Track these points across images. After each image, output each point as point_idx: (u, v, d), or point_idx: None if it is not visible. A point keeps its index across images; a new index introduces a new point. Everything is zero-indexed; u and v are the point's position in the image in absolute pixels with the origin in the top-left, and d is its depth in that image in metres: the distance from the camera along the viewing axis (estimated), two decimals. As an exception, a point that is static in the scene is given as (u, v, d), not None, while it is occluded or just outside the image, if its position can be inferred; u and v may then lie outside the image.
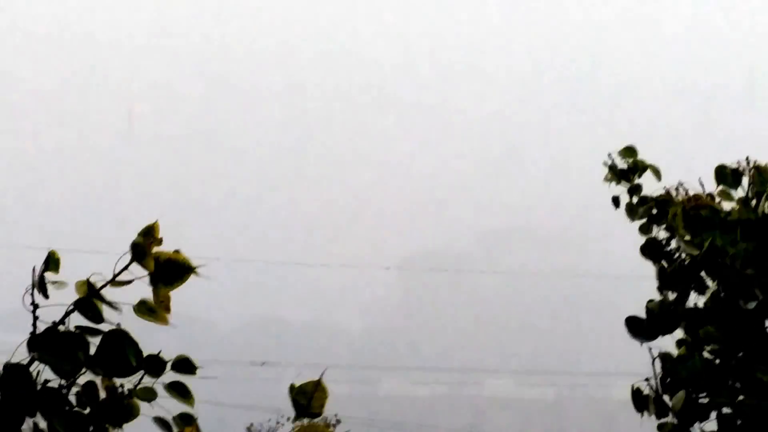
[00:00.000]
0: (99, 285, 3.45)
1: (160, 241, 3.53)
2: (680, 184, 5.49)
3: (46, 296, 3.43)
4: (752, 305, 4.67)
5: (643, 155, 5.61)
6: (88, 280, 3.50)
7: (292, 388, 3.26)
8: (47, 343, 3.42)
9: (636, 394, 5.30)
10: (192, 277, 3.85)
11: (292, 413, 3.42)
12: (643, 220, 5.51)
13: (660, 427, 5.23)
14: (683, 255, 5.08)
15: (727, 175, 5.16)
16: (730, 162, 5.27)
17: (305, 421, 3.37)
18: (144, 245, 3.46)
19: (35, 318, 3.44)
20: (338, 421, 39.51)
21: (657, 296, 5.35)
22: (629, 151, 5.20)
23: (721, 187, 5.28)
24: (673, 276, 5.16)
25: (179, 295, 3.68)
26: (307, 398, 3.24)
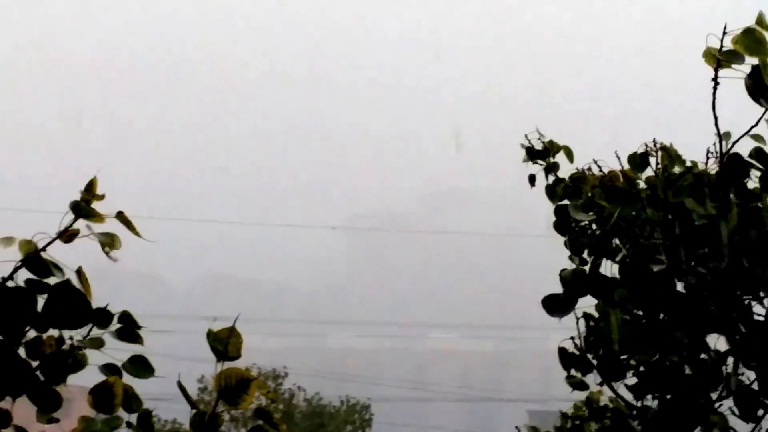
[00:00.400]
0: (44, 243, 3.48)
1: (101, 197, 3.51)
2: (594, 161, 5.56)
3: None
4: (659, 269, 4.74)
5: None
6: (32, 240, 3.49)
7: (209, 334, 3.29)
8: None
9: (562, 352, 5.35)
10: (147, 238, 3.82)
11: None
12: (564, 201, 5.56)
13: (569, 378, 5.30)
14: (594, 226, 5.26)
15: (635, 159, 5.26)
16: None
17: (224, 364, 3.35)
18: (86, 202, 3.49)
19: None
20: (286, 374, 39.35)
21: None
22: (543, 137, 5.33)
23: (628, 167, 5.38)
24: (587, 245, 5.25)
25: (137, 256, 3.73)
26: (224, 344, 3.26)
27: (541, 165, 5.65)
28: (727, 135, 4.64)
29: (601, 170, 5.45)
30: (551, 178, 5.61)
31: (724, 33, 4.46)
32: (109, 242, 3.52)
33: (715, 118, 4.67)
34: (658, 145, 5.28)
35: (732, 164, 4.68)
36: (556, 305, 5.33)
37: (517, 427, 6.13)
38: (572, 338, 5.37)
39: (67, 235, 3.50)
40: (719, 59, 4.70)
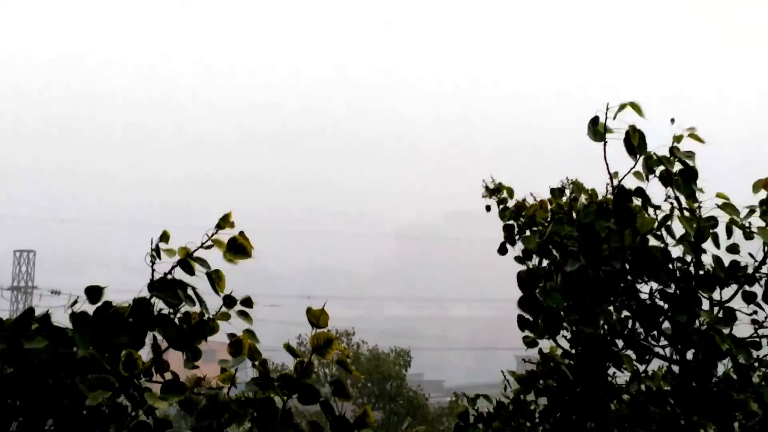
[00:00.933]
0: (192, 249, 3.55)
1: (232, 225, 3.62)
2: (531, 194, 5.59)
3: (159, 257, 3.52)
4: (573, 266, 4.78)
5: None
6: (186, 247, 3.55)
7: (308, 310, 3.34)
8: (160, 286, 3.52)
9: (520, 318, 5.34)
10: (262, 241, 3.84)
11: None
12: (510, 221, 5.57)
13: (524, 338, 5.32)
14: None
15: (554, 191, 5.31)
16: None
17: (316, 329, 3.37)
18: (223, 226, 3.58)
19: (153, 271, 3.53)
20: (354, 333, 39.86)
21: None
22: (493, 181, 5.50)
23: (549, 197, 5.43)
24: (534, 252, 5.32)
25: (259, 255, 3.75)
26: (316, 317, 3.30)
27: (495, 198, 5.69)
28: (616, 174, 4.70)
29: (534, 199, 5.49)
30: (501, 206, 5.65)
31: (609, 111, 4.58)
32: (236, 250, 3.59)
33: (606, 165, 4.70)
34: (570, 180, 5.33)
35: (620, 194, 4.73)
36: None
37: (502, 371, 6.07)
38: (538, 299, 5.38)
39: (207, 246, 3.58)
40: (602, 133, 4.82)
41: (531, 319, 5.20)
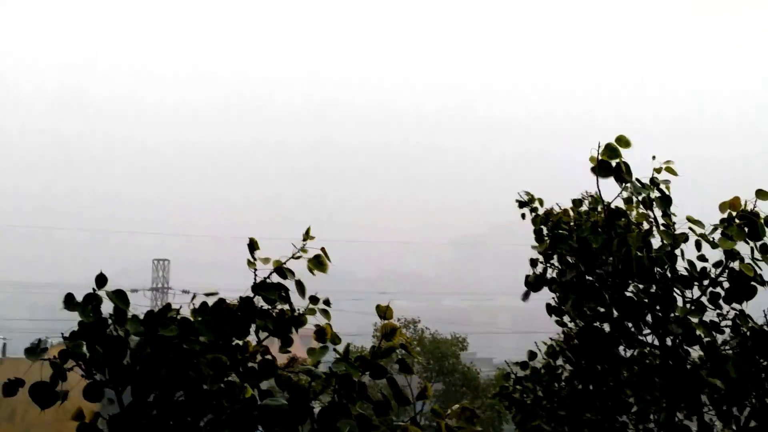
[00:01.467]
0: (284, 260, 3.59)
1: (313, 238, 3.65)
2: (556, 204, 5.55)
3: (255, 266, 3.59)
4: (569, 276, 4.92)
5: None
6: (279, 259, 3.61)
7: (377, 307, 3.37)
8: (261, 288, 3.57)
9: (548, 306, 5.35)
10: (347, 249, 3.91)
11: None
12: (540, 226, 5.56)
13: (557, 321, 5.38)
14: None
15: (575, 201, 5.27)
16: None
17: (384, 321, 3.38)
18: (305, 238, 3.62)
19: (255, 275, 3.59)
20: (420, 320, 39.54)
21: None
22: (527, 192, 5.34)
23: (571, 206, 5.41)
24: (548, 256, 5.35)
25: (340, 262, 3.79)
26: (383, 311, 3.33)
27: (528, 208, 5.63)
28: (601, 199, 4.79)
29: (560, 208, 5.45)
30: (533, 214, 5.60)
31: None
32: (317, 264, 3.63)
33: (599, 190, 4.74)
34: (588, 193, 5.30)
35: (610, 214, 4.76)
36: (525, 294, 5.52)
37: (535, 342, 6.04)
38: (553, 298, 5.32)
39: (297, 257, 3.61)
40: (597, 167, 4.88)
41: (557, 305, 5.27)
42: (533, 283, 5.31)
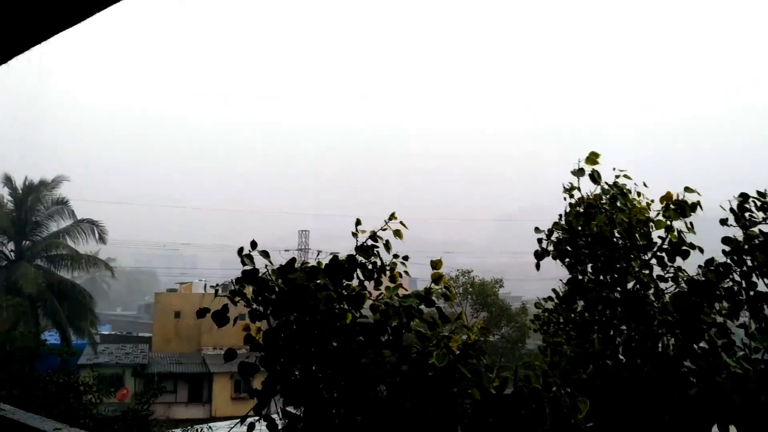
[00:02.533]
0: (376, 231, 3.66)
1: (395, 217, 3.60)
2: (587, 193, 5.42)
3: (357, 234, 3.63)
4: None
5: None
6: (373, 230, 3.68)
7: (430, 261, 3.41)
8: (361, 249, 3.62)
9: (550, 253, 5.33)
10: (420, 223, 3.97)
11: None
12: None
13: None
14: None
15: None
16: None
17: (434, 270, 3.43)
18: (391, 218, 3.64)
19: (356, 241, 3.65)
20: (471, 271, 39.40)
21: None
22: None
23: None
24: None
25: (413, 233, 3.75)
26: (435, 263, 3.37)
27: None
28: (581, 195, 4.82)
29: (589, 197, 5.36)
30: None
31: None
32: (398, 233, 3.63)
33: (579, 189, 4.77)
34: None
35: (588, 204, 4.77)
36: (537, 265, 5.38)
37: (553, 289, 5.90)
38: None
39: (384, 229, 3.62)
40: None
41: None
42: (540, 254, 5.22)
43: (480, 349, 3.05)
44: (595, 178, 4.75)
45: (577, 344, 5.37)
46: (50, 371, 15.52)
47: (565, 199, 5.51)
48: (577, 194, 5.35)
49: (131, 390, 33.23)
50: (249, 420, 3.20)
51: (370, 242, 3.67)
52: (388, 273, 3.68)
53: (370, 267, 3.65)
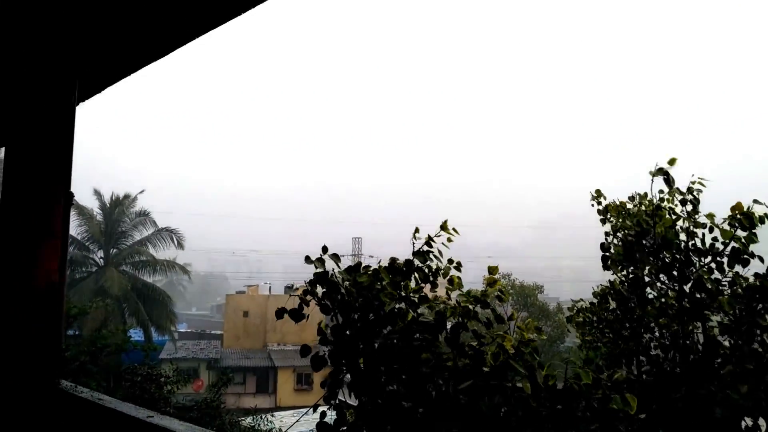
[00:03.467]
0: (430, 236, 3.62)
1: (446, 226, 3.60)
2: (615, 199, 5.29)
3: (416, 239, 3.61)
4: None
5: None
6: (429, 235, 3.66)
7: (488, 267, 3.37)
8: (417, 254, 3.59)
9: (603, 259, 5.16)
10: (468, 230, 3.97)
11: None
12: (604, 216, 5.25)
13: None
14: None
15: (629, 198, 5.13)
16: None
17: (487, 275, 3.39)
18: (443, 227, 3.60)
19: (413, 246, 3.63)
20: (511, 274, 39.05)
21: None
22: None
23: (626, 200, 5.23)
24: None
25: (464, 239, 3.72)
26: (491, 269, 3.32)
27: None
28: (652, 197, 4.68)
29: (618, 203, 5.27)
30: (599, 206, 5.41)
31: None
32: (448, 240, 3.57)
33: (651, 191, 4.69)
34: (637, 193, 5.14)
35: (656, 207, 4.64)
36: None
37: (593, 287, 5.79)
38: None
39: (438, 235, 3.58)
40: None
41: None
42: (606, 247, 5.04)
43: (535, 348, 2.98)
44: (669, 181, 4.61)
45: (611, 342, 5.24)
46: (135, 364, 15.89)
47: (593, 205, 5.40)
48: (607, 202, 5.21)
49: (205, 381, 33.79)
50: (320, 408, 3.20)
51: (425, 248, 3.64)
52: (441, 276, 3.66)
53: (426, 270, 3.63)
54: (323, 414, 3.21)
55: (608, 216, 5.32)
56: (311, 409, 3.16)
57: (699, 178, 4.75)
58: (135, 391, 14.80)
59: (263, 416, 19.24)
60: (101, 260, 33.98)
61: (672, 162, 4.61)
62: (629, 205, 5.29)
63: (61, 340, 3.39)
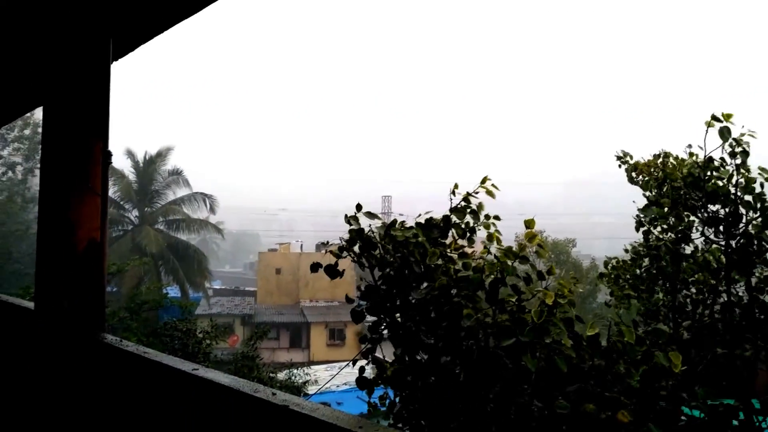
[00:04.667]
0: (469, 193, 3.60)
1: (485, 181, 3.51)
2: (642, 157, 5.20)
3: (454, 195, 3.57)
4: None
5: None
6: (468, 191, 3.59)
7: (525, 221, 3.32)
8: (455, 210, 3.54)
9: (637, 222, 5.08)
10: (507, 187, 3.88)
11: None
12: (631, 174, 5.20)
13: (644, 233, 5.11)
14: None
15: (655, 156, 4.92)
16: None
17: (527, 230, 3.35)
18: (484, 181, 3.55)
19: (451, 202, 3.60)
20: (544, 230, 38.98)
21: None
22: (623, 151, 4.79)
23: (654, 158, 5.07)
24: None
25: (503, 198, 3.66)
26: (528, 223, 3.27)
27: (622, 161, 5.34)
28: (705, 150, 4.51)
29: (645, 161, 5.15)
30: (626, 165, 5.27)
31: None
32: (489, 194, 3.50)
33: (705, 143, 4.46)
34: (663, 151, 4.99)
35: (708, 159, 4.50)
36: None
37: (624, 245, 5.72)
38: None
39: (477, 192, 3.53)
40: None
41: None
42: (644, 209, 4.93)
43: (571, 301, 2.94)
44: (724, 134, 4.44)
45: (646, 299, 5.19)
46: (174, 320, 16.30)
47: (619, 166, 5.29)
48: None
49: (240, 337, 34.54)
50: (359, 363, 3.23)
51: (462, 203, 3.59)
52: (478, 232, 3.62)
53: (463, 227, 3.59)
54: (362, 369, 3.23)
55: (636, 175, 5.21)
56: (350, 363, 3.19)
57: (749, 130, 4.57)
58: (174, 345, 15.21)
59: (298, 369, 19.69)
60: (136, 219, 34.60)
61: (727, 117, 4.43)
62: (671, 160, 5.16)
63: (104, 297, 3.47)
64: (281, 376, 19.57)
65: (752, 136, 4.49)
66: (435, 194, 3.67)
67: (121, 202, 34.46)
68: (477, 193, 3.49)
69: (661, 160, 5.01)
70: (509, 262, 3.16)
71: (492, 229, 3.49)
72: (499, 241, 3.47)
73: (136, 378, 2.92)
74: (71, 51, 3.53)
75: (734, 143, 4.50)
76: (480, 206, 3.47)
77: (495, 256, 3.16)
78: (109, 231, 32.51)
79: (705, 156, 4.60)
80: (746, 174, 4.48)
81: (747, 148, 4.54)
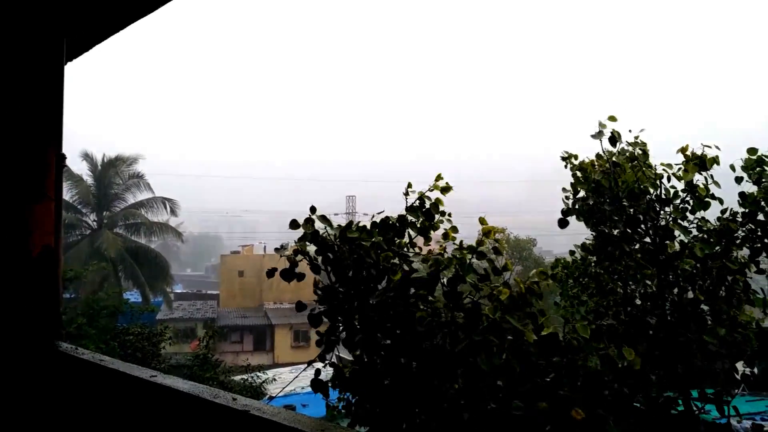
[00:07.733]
0: (424, 192, 3.64)
1: (441, 178, 3.59)
2: (587, 157, 5.30)
3: (408, 195, 3.59)
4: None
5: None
6: (422, 191, 3.65)
7: (479, 219, 3.36)
8: (410, 209, 3.58)
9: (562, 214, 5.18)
10: (463, 185, 3.79)
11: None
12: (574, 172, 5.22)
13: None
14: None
15: (597, 156, 5.05)
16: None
17: (484, 226, 3.39)
18: (437, 180, 3.60)
19: (406, 201, 3.64)
20: (506, 228, 39.32)
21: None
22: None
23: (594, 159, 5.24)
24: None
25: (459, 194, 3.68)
26: (483, 220, 3.31)
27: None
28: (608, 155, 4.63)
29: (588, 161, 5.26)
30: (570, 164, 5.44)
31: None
32: (442, 194, 3.57)
33: (603, 150, 4.64)
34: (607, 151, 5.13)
35: (613, 164, 4.67)
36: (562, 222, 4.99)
37: (575, 245, 5.82)
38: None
39: (431, 190, 3.56)
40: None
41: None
42: (566, 212, 5.06)
43: (539, 294, 2.97)
44: (615, 138, 4.59)
45: (597, 295, 5.31)
46: (125, 325, 16.12)
47: (566, 167, 5.38)
48: (575, 160, 5.18)
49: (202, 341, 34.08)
50: (316, 365, 3.24)
51: (418, 203, 3.63)
52: (433, 230, 3.65)
53: (419, 225, 3.62)
54: (318, 371, 3.24)
55: (581, 175, 5.30)
56: (307, 365, 3.19)
57: (641, 131, 4.79)
58: (128, 350, 15.00)
59: (256, 373, 19.61)
60: (95, 223, 33.89)
61: (612, 119, 4.57)
62: (588, 168, 5.27)
63: (59, 303, 3.41)
64: (237, 378, 19.42)
65: (637, 141, 4.73)
66: (401, 194, 3.68)
67: (79, 207, 33.70)
68: (431, 191, 3.54)
69: (598, 161, 5.09)
70: (467, 259, 3.18)
71: (447, 226, 3.55)
72: (454, 239, 3.51)
73: (92, 387, 2.87)
74: (23, 51, 3.46)
75: (631, 146, 4.73)
76: (438, 202, 3.51)
77: (452, 255, 3.18)
78: (67, 236, 31.88)
79: (609, 162, 4.79)
80: (654, 170, 4.65)
81: (645, 149, 4.77)
